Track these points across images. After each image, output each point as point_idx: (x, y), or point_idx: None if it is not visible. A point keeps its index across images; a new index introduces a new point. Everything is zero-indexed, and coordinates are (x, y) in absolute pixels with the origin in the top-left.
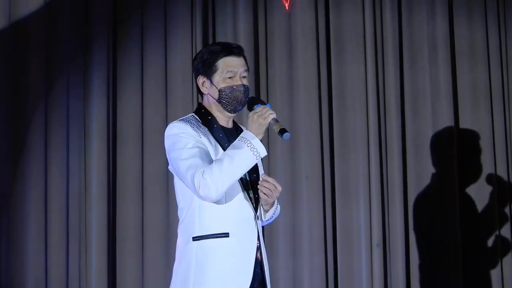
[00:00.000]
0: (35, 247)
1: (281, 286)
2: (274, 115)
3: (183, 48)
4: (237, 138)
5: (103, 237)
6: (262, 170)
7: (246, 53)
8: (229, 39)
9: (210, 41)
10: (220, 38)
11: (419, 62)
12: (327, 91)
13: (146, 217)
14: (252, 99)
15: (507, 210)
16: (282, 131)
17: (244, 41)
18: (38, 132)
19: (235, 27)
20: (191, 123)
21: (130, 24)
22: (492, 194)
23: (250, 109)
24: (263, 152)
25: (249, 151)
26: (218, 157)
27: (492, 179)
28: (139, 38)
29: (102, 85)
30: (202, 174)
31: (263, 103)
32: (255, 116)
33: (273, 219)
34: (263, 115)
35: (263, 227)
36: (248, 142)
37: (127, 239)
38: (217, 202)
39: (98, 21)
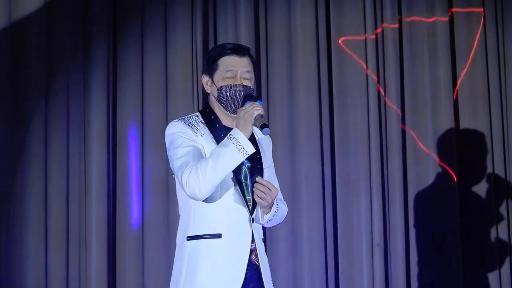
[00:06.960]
0: (35, 247)
1: (281, 286)
2: (259, 111)
3: (183, 47)
4: (226, 136)
5: (103, 237)
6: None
7: None
8: (229, 38)
9: (211, 41)
10: (220, 37)
11: (419, 61)
12: (328, 91)
13: (146, 216)
14: (245, 97)
15: (505, 209)
16: (263, 126)
17: (244, 41)
18: (38, 132)
19: (235, 26)
20: (190, 123)
21: (130, 23)
22: (490, 194)
23: (242, 106)
24: (250, 149)
25: (234, 148)
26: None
27: (491, 178)
28: (139, 37)
29: (102, 84)
30: (189, 173)
31: (255, 100)
32: (242, 113)
33: (276, 221)
34: (249, 112)
35: (265, 229)
36: (234, 139)
37: (127, 239)
38: (211, 203)
39: (98, 20)
